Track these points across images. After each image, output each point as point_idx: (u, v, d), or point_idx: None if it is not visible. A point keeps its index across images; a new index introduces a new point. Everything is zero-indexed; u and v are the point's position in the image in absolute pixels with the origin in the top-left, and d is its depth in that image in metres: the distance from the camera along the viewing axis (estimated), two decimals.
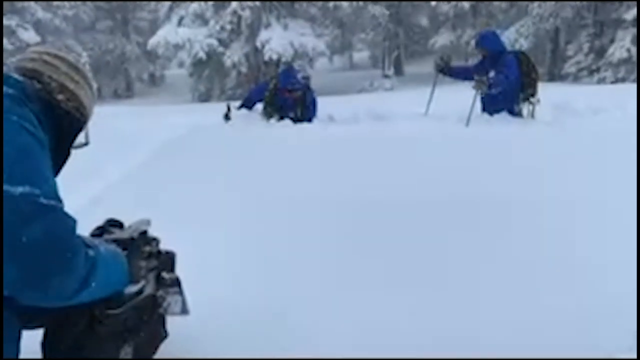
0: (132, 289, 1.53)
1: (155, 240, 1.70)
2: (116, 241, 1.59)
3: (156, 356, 1.63)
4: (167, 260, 1.68)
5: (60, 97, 1.46)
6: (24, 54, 1.54)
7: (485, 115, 5.84)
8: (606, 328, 1.79)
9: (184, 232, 2.29)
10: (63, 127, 1.46)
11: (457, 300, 2.05)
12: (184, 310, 1.63)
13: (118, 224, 1.73)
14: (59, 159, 1.49)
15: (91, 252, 1.28)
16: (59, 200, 1.25)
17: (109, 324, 1.46)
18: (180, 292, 1.65)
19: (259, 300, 2.10)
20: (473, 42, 6.98)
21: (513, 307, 1.98)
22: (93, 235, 1.66)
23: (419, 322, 1.91)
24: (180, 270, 1.71)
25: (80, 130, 1.56)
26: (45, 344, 1.48)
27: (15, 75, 1.40)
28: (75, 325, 1.46)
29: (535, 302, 2.01)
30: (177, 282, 1.66)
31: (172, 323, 1.69)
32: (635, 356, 1.46)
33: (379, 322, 1.93)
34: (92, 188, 3.86)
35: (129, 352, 1.51)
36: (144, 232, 1.68)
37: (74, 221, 1.26)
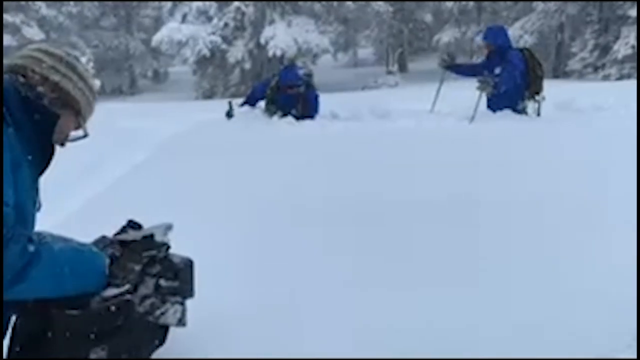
0: (110, 292, 1.49)
1: (164, 245, 1.66)
2: (121, 243, 1.59)
3: (155, 356, 1.62)
4: (170, 267, 1.63)
5: (40, 89, 1.47)
6: (21, 51, 1.57)
7: (490, 113, 5.82)
8: (605, 326, 1.79)
9: (185, 230, 2.30)
10: (42, 122, 1.47)
11: (457, 300, 2.04)
12: (181, 322, 1.59)
13: (137, 226, 1.73)
14: (43, 154, 1.51)
15: (31, 248, 1.27)
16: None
17: (67, 325, 1.43)
18: (182, 302, 1.61)
19: (260, 299, 2.09)
20: (480, 36, 6.94)
21: (513, 306, 1.98)
22: (116, 234, 1.66)
23: (420, 322, 1.91)
24: None
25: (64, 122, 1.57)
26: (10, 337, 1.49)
27: None
28: (32, 321, 1.45)
29: (535, 301, 2.00)
30: (177, 291, 1.61)
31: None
32: (634, 355, 1.46)
33: (380, 321, 1.93)
34: (96, 185, 3.88)
35: (103, 355, 1.47)
36: (150, 236, 1.65)
37: (9, 214, 1.25)
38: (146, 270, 1.58)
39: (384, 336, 1.84)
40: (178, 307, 1.59)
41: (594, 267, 2.23)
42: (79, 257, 1.43)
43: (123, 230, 1.71)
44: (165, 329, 1.65)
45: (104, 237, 1.67)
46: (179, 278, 1.63)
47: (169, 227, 1.72)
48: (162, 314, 1.55)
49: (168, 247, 1.67)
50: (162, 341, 1.65)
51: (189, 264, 1.69)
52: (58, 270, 1.35)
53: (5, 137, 1.32)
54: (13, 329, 1.48)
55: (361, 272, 2.31)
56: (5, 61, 1.52)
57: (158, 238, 1.67)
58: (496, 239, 2.58)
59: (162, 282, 1.59)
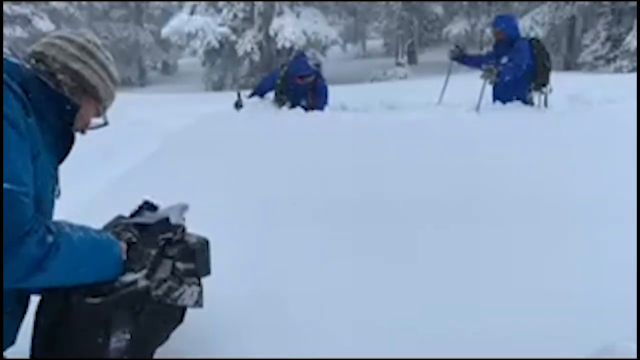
0: (127, 278, 1.51)
1: (179, 227, 1.67)
2: (137, 226, 1.60)
3: (157, 356, 1.63)
4: (186, 249, 1.64)
5: (60, 77, 1.48)
6: (44, 38, 1.57)
7: (498, 104, 5.79)
8: (605, 325, 1.78)
9: (190, 224, 2.30)
10: (63, 111, 1.48)
11: (458, 300, 2.04)
12: (197, 303, 1.60)
13: (152, 207, 1.74)
14: (63, 142, 1.52)
15: (50, 239, 1.28)
16: (20, 184, 1.25)
17: (86, 313, 1.44)
18: (198, 283, 1.62)
19: (263, 295, 2.10)
20: (490, 26, 6.90)
21: (513, 306, 1.97)
22: (132, 215, 1.67)
23: (420, 322, 1.91)
24: None
25: (97, 111, 1.60)
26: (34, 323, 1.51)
27: (11, 59, 1.43)
28: (51, 310, 1.46)
29: (534, 301, 1.99)
30: (193, 273, 1.62)
31: None
32: (634, 354, 1.45)
33: (381, 320, 1.93)
34: (106, 176, 3.91)
35: (123, 339, 1.49)
36: (166, 219, 1.66)
37: (28, 205, 1.26)
38: (163, 253, 1.60)
39: (384, 335, 1.85)
40: (195, 288, 1.60)
41: (594, 267, 2.20)
42: (97, 247, 1.45)
43: (139, 211, 1.71)
44: (183, 308, 1.67)
45: (120, 217, 1.69)
46: (195, 259, 1.65)
47: (184, 208, 1.74)
48: (179, 295, 1.57)
49: (184, 229, 1.68)
50: (180, 320, 1.67)
51: (205, 244, 1.71)
52: (76, 261, 1.37)
53: (26, 126, 1.32)
54: (36, 313, 1.50)
55: (364, 269, 2.30)
56: (28, 48, 1.53)
57: (173, 220, 1.69)
58: (497, 237, 2.55)
59: (179, 264, 1.61)
